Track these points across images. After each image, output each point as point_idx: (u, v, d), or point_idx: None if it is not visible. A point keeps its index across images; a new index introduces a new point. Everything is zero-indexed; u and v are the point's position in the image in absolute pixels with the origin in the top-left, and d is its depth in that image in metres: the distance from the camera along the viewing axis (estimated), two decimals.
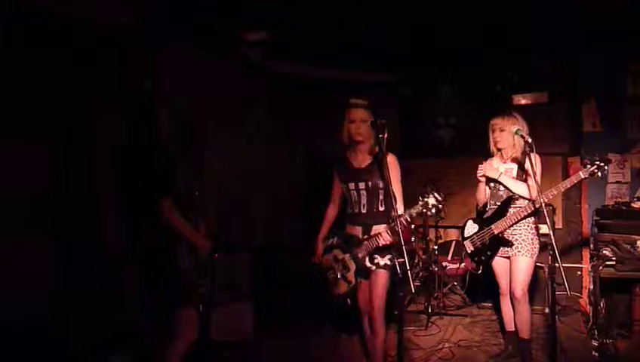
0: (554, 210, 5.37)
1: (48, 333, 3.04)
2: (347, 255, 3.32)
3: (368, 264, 3.25)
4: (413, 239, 5.64)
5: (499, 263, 3.72)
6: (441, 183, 5.39)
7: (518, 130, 3.24)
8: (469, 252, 3.82)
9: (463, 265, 5.49)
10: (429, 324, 4.76)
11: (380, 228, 3.19)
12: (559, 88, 5.80)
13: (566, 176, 5.45)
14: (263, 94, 5.93)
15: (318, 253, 3.49)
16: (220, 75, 5.10)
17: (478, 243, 3.74)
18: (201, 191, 3.76)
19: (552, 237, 2.78)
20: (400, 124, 6.68)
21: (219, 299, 4.25)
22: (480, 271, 3.82)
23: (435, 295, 5.22)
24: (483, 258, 3.73)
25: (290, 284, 4.80)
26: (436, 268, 5.27)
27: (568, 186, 3.40)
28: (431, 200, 3.02)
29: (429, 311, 4.92)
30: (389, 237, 3.10)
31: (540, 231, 5.06)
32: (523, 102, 5.83)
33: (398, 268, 2.42)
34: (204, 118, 4.70)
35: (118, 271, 3.40)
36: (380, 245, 3.14)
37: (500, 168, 3.71)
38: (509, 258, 3.66)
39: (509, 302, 3.74)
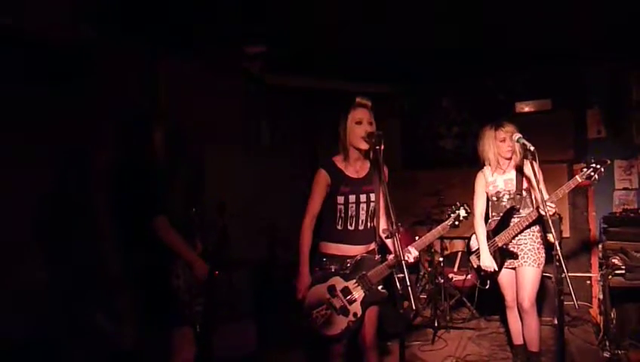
0: (560, 219, 5.28)
1: (44, 354, 2.98)
2: (352, 282, 2.87)
3: (380, 289, 2.90)
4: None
5: (504, 275, 3.63)
6: (445, 194, 5.32)
7: (519, 137, 3.16)
8: (475, 267, 3.73)
9: (469, 276, 5.39)
10: (436, 338, 4.66)
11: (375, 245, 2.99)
12: (562, 95, 5.74)
13: None
14: (263, 107, 5.90)
15: (305, 286, 2.88)
16: (219, 89, 5.08)
17: None
18: (200, 208, 3.72)
19: (558, 246, 2.70)
20: (402, 134, 6.64)
21: (220, 316, 4.19)
22: (487, 286, 3.70)
23: (442, 308, 5.12)
24: (490, 271, 3.63)
25: (294, 300, 4.71)
26: (442, 281, 5.17)
27: (566, 191, 3.30)
28: (462, 213, 2.98)
29: (436, 324, 4.82)
30: (416, 252, 2.86)
31: (546, 241, 5.02)
32: (526, 109, 5.77)
33: (398, 284, 2.34)
34: (203, 132, 4.68)
35: (113, 292, 3.34)
36: (409, 264, 2.75)
37: (497, 180, 3.63)
38: (514, 269, 3.57)
39: (517, 314, 3.65)
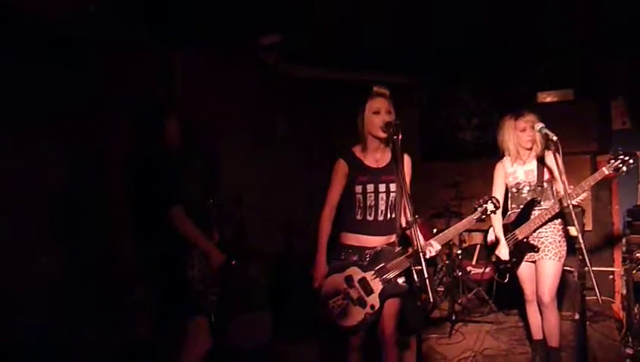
0: (583, 212, 5.15)
1: (60, 347, 3.01)
2: (370, 273, 2.82)
3: (401, 283, 2.85)
4: None
5: (524, 268, 3.54)
6: (464, 186, 5.25)
7: (542, 127, 3.05)
8: (494, 260, 3.63)
9: (488, 269, 5.32)
10: (453, 332, 4.60)
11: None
12: (585, 85, 5.60)
13: None
14: (279, 98, 5.86)
15: (322, 275, 2.87)
16: (234, 81, 5.06)
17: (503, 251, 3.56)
18: (217, 199, 3.71)
19: (581, 239, 2.62)
20: (420, 126, 6.56)
21: (236, 307, 4.20)
22: (506, 280, 3.62)
23: (459, 301, 5.06)
24: (509, 265, 3.54)
25: (309, 291, 4.70)
26: (460, 273, 5.11)
27: (592, 183, 3.18)
28: (490, 207, 2.91)
29: (453, 317, 4.76)
30: (438, 246, 2.80)
31: (569, 234, 4.90)
32: (548, 99, 5.65)
33: (415, 276, 2.29)
34: (218, 124, 4.67)
35: (129, 282, 3.35)
36: (429, 257, 2.72)
37: (517, 171, 3.54)
38: (534, 262, 3.49)
39: (536, 308, 3.57)
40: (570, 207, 2.76)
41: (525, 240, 3.46)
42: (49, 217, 3.17)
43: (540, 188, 3.46)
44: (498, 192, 3.63)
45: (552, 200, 3.44)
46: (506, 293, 4.93)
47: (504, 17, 4.47)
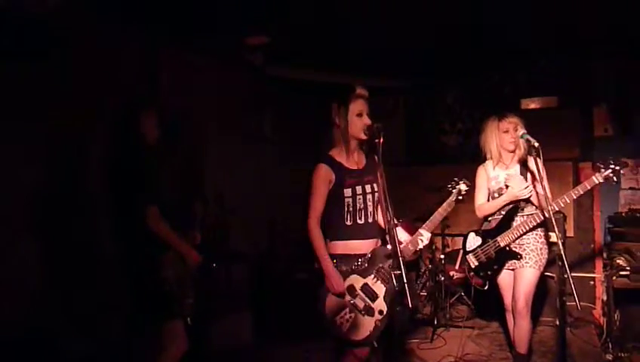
0: (565, 218, 5.18)
1: (34, 343, 2.94)
2: (370, 277, 2.74)
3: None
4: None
5: (504, 277, 3.48)
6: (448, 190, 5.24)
7: (523, 133, 3.05)
8: (473, 267, 3.56)
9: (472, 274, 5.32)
10: (435, 336, 4.59)
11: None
12: (569, 92, 5.62)
13: (577, 182, 5.27)
14: (265, 98, 5.83)
15: (339, 282, 2.68)
16: (220, 79, 5.02)
17: (483, 257, 3.48)
18: (199, 199, 3.66)
19: (561, 246, 2.62)
20: (405, 130, 6.56)
21: (217, 308, 4.16)
22: (487, 287, 3.58)
23: (441, 306, 5.05)
24: (489, 272, 3.48)
25: (291, 293, 4.67)
26: (442, 278, 5.11)
27: (582, 193, 3.16)
28: (462, 187, 2.94)
29: (435, 322, 4.75)
30: (428, 234, 2.81)
31: (550, 240, 4.91)
32: (532, 106, 5.66)
33: (394, 281, 2.26)
34: (203, 123, 4.62)
35: (105, 281, 3.29)
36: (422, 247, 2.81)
37: (499, 175, 3.49)
38: (513, 270, 3.44)
39: None
40: (551, 213, 2.77)
41: (507, 247, 3.40)
42: (24, 214, 3.10)
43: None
44: (481, 196, 3.59)
45: (534, 207, 3.41)
46: (486, 302, 4.96)
47: (489, 21, 4.47)
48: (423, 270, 5.69)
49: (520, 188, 3.30)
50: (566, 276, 2.53)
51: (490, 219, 3.56)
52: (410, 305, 2.23)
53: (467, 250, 3.60)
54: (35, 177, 3.18)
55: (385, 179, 2.57)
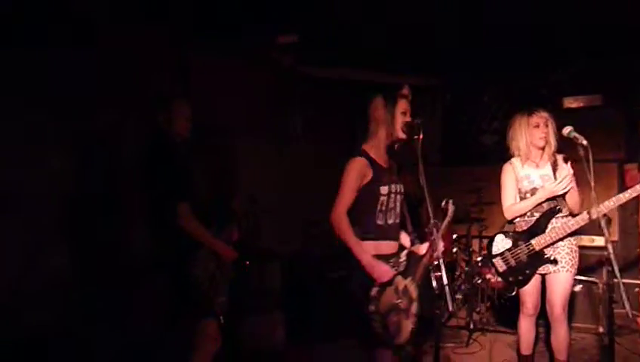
0: (609, 221, 4.99)
1: (68, 342, 2.97)
2: (409, 279, 2.70)
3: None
4: (455, 250, 5.37)
5: (531, 281, 3.31)
6: (484, 191, 5.12)
7: (570, 130, 2.90)
8: (501, 271, 3.37)
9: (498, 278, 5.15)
10: (471, 341, 4.48)
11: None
12: (613, 90, 5.42)
13: (622, 183, 5.09)
14: (296, 99, 5.80)
15: (386, 270, 2.60)
16: (250, 79, 5.01)
17: (513, 261, 3.31)
18: (234, 197, 3.65)
19: (611, 250, 2.50)
20: (442, 129, 6.44)
21: (250, 308, 4.15)
22: (514, 293, 3.43)
23: (478, 309, 4.93)
24: (520, 277, 3.30)
25: (324, 293, 4.63)
26: (479, 281, 4.98)
27: (624, 200, 3.04)
28: (451, 207, 2.87)
29: (471, 326, 4.63)
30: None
31: (594, 244, 4.73)
32: (574, 105, 5.48)
33: (434, 283, 2.20)
34: (235, 123, 4.62)
35: (139, 278, 3.30)
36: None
37: (532, 175, 3.31)
38: (542, 275, 3.29)
39: (534, 322, 3.41)
40: (601, 218, 2.65)
41: (542, 251, 3.24)
42: (58, 212, 3.13)
43: (559, 195, 3.22)
44: (510, 196, 3.39)
45: (567, 210, 3.25)
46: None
47: (529, 19, 4.35)
48: (458, 273, 5.56)
49: (555, 183, 3.15)
50: (616, 281, 2.41)
51: (519, 220, 3.38)
52: (450, 309, 2.16)
53: (494, 253, 3.41)
54: (67, 175, 3.20)
55: (425, 178, 2.49)
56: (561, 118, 3.32)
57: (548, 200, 3.24)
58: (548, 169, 3.30)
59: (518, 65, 5.56)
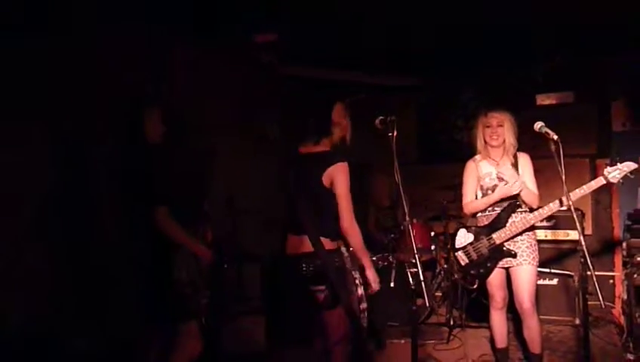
0: (583, 215, 5.09)
1: (48, 343, 2.92)
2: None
3: None
4: (433, 247, 5.41)
5: (496, 275, 3.40)
6: (460, 188, 5.16)
7: (541, 126, 2.98)
8: (463, 265, 3.48)
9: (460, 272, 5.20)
10: (451, 337, 4.51)
11: None
12: (586, 87, 5.53)
13: (594, 178, 5.18)
14: (274, 99, 5.77)
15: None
16: (228, 78, 4.97)
17: (474, 254, 3.42)
18: (210, 198, 3.61)
19: (583, 243, 2.55)
20: (418, 127, 6.48)
21: (230, 311, 4.11)
22: (476, 286, 3.50)
23: (457, 306, 4.97)
24: (481, 270, 3.40)
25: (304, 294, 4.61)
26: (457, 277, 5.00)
27: (587, 191, 3.12)
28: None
29: (451, 323, 4.67)
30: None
31: (569, 238, 4.82)
32: (547, 102, 5.58)
33: (411, 279, 2.22)
34: (213, 122, 4.58)
35: (117, 280, 3.26)
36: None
37: (492, 173, 3.43)
38: (506, 268, 3.39)
39: (505, 316, 3.49)
40: (572, 209, 2.70)
41: (502, 245, 3.34)
42: (34, 214, 3.06)
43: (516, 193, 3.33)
44: (470, 192, 3.53)
45: (524, 205, 3.37)
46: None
47: (503, 18, 4.40)
48: (438, 270, 5.59)
49: (508, 185, 3.28)
50: (589, 273, 2.46)
51: (480, 215, 3.50)
52: (427, 305, 2.18)
53: (457, 246, 3.52)
54: (41, 179, 3.14)
55: (400, 175, 2.52)
56: (535, 115, 3.37)
57: (507, 198, 3.35)
58: (509, 167, 3.41)
59: (493, 64, 5.62)
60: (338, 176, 2.65)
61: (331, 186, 2.67)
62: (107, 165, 2.96)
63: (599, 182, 3.10)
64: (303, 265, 2.66)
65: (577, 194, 3.11)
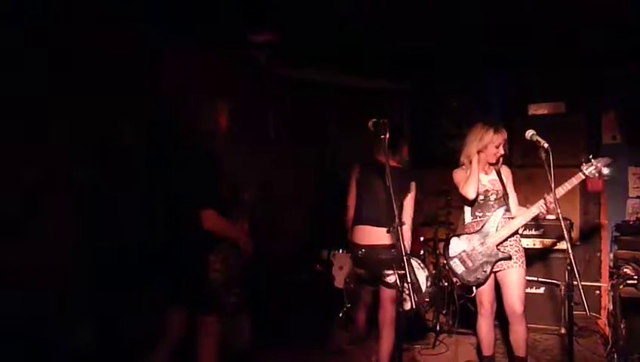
0: (572, 225, 5.11)
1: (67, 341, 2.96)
2: None
3: None
4: (422, 252, 5.41)
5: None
6: (453, 195, 5.17)
7: (533, 134, 3.03)
8: (459, 273, 3.49)
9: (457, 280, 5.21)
10: (437, 343, 4.52)
11: None
12: (577, 98, 5.56)
13: (584, 188, 5.22)
14: (270, 99, 5.76)
15: None
16: (223, 78, 4.94)
17: (470, 262, 3.44)
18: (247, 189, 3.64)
19: (571, 252, 2.57)
20: (410, 133, 6.48)
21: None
22: (474, 294, 3.52)
23: (444, 311, 4.97)
24: (479, 276, 3.42)
25: (291, 295, 4.61)
26: (446, 283, 5.03)
27: (569, 188, 3.23)
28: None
29: (437, 328, 4.67)
30: None
31: (557, 247, 4.85)
32: (539, 111, 5.60)
33: (398, 282, 2.22)
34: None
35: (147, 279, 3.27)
36: None
37: (482, 179, 3.50)
38: (495, 273, 3.42)
39: (492, 323, 3.51)
40: (561, 217, 2.73)
41: (496, 249, 3.38)
42: (76, 212, 3.07)
43: (506, 196, 3.45)
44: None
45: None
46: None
47: (496, 26, 4.42)
48: (427, 274, 5.59)
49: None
50: (575, 283, 2.48)
51: (471, 221, 3.54)
52: (413, 306, 2.19)
53: (451, 255, 3.52)
54: (85, 174, 3.17)
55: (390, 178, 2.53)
56: (527, 124, 3.41)
57: (496, 199, 3.44)
58: (494, 174, 3.52)
59: (486, 72, 5.66)
60: (413, 192, 3.63)
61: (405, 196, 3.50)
62: (130, 161, 2.95)
63: (579, 178, 3.22)
64: (382, 254, 3.28)
65: (560, 191, 3.17)
